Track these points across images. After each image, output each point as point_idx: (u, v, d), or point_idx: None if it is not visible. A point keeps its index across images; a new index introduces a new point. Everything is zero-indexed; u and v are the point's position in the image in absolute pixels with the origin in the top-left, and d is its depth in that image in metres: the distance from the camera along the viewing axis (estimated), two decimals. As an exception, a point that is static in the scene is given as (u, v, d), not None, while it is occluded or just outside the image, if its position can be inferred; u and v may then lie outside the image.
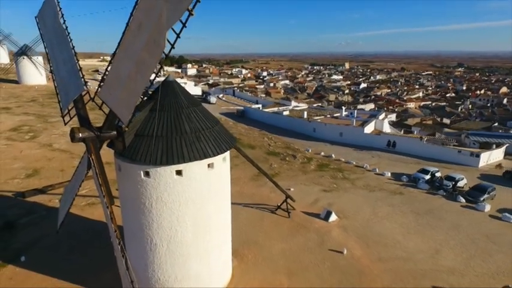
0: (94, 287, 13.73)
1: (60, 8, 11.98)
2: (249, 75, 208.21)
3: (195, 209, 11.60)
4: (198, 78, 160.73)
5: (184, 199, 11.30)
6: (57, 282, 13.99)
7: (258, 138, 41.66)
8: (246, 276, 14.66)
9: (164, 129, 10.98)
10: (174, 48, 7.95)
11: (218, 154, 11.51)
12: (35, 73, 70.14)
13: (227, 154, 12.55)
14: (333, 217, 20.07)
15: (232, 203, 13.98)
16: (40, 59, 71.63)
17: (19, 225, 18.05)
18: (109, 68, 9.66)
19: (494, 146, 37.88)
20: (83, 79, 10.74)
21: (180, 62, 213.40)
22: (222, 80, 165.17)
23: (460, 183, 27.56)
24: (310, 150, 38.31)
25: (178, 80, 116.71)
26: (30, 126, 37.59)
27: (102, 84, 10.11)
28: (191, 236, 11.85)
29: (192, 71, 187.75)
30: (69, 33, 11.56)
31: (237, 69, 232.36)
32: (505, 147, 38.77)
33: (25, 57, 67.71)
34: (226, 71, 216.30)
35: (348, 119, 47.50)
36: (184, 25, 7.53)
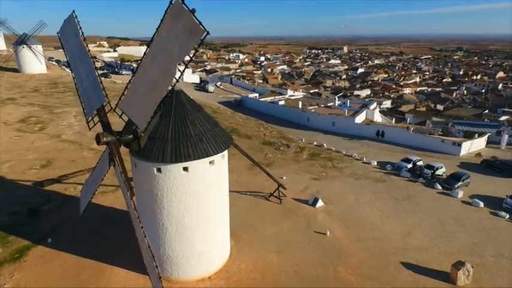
0: (114, 263, 16.12)
1: (80, 27, 13.87)
2: (246, 60, 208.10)
3: (199, 198, 13.94)
4: (195, 63, 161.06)
5: (190, 190, 13.61)
6: (82, 259, 16.40)
7: (254, 128, 43.82)
8: (242, 254, 17.17)
9: (173, 132, 13.15)
10: (183, 75, 10.02)
11: (218, 153, 13.74)
12: (35, 62, 71.15)
13: (225, 152, 14.77)
14: (320, 203, 22.56)
15: (230, 191, 16.27)
16: (39, 47, 72.46)
17: (42, 212, 20.39)
18: (128, 85, 11.70)
19: (476, 135, 40.25)
20: (103, 91, 12.79)
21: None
22: (219, 65, 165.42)
23: (439, 172, 30.06)
24: (303, 140, 40.59)
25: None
26: (38, 118, 39.46)
27: (122, 98, 12.16)
28: (196, 221, 14.24)
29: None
30: (89, 50, 13.52)
31: (234, 54, 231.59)
32: (486, 136, 41.17)
33: (25, 46, 68.55)
34: (223, 56, 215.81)
35: (340, 109, 49.59)
36: (191, 59, 9.58)
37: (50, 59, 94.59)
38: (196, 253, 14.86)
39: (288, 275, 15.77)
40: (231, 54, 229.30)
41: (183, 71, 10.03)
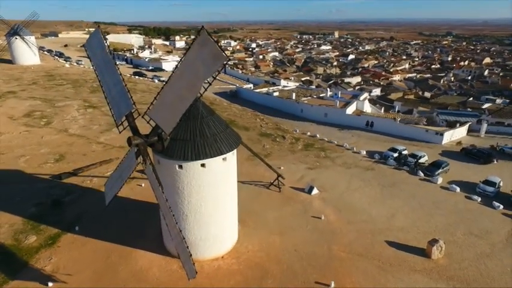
0: (138, 247, 18.41)
1: (106, 40, 15.71)
2: (238, 47, 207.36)
3: (214, 189, 16.29)
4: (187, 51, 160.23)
5: (207, 183, 15.93)
6: (109, 244, 18.67)
7: (251, 120, 45.95)
8: (248, 237, 19.70)
9: (192, 134, 15.32)
10: (206, 89, 12.13)
11: (230, 151, 16.02)
12: (29, 53, 71.18)
13: (235, 149, 17.03)
14: (315, 191, 25.15)
15: (235, 182, 18.55)
16: (33, 38, 72.29)
17: (64, 203, 22.45)
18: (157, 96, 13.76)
19: (458, 125, 43.23)
20: (131, 99, 14.77)
21: (167, 33, 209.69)
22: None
23: (422, 160, 32.89)
24: (298, 131, 42.96)
25: (167, 54, 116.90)
26: (42, 112, 40.75)
27: (150, 106, 14.19)
28: (211, 209, 16.63)
29: (180, 43, 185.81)
30: (115, 62, 15.42)
31: (226, 41, 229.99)
32: (467, 125, 44.22)
33: (18, 37, 68.40)
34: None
35: (332, 100, 51.96)
36: (214, 78, 11.68)
37: (42, 48, 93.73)
38: (211, 236, 17.32)
39: (289, 253, 18.40)
40: (223, 41, 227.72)
41: (206, 88, 12.15)
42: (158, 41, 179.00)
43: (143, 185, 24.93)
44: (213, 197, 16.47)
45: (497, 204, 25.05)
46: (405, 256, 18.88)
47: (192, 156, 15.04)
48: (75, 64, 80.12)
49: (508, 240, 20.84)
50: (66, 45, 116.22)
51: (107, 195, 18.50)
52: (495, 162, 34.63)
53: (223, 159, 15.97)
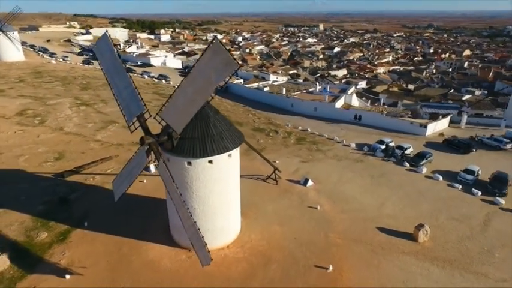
0: (146, 240, 19.44)
1: (115, 45, 16.50)
2: (224, 40, 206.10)
3: (220, 184, 17.49)
4: (173, 45, 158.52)
5: (214, 178, 17.11)
6: (119, 238, 19.65)
7: (243, 115, 47.01)
8: (250, 227, 21.04)
9: (200, 133, 16.40)
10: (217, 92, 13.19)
11: (234, 148, 17.20)
12: (13, 49, 69.70)
13: (238, 146, 18.21)
14: (310, 183, 26.66)
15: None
16: (16, 34, 70.71)
17: (71, 200, 23.16)
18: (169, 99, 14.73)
19: (440, 117, 45.52)
20: (142, 101, 15.69)
21: (152, 27, 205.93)
22: (197, 46, 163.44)
23: (407, 151, 34.83)
24: (289, 125, 44.33)
25: (154, 49, 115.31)
26: (34, 110, 40.57)
27: (162, 108, 15.16)
28: (218, 202, 17.85)
29: (165, 37, 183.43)
30: (125, 66, 16.26)
31: (212, 34, 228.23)
32: (449, 117, 46.59)
33: (1, 33, 66.83)
34: (201, 37, 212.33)
35: (321, 94, 53.52)
36: (226, 83, 12.76)
37: (24, 44, 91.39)
38: (218, 228, 18.57)
39: (290, 241, 19.86)
40: (209, 35, 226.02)
41: (216, 92, 13.24)
42: (143, 35, 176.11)
43: (145, 181, 25.80)
44: (219, 191, 17.67)
45: (476, 191, 27.19)
46: (395, 240, 20.64)
47: (201, 153, 16.15)
48: (61, 60, 78.69)
49: (485, 224, 22.94)
50: (48, 40, 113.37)
51: (115, 192, 19.34)
52: (474, 151, 36.92)
53: (228, 155, 17.15)
